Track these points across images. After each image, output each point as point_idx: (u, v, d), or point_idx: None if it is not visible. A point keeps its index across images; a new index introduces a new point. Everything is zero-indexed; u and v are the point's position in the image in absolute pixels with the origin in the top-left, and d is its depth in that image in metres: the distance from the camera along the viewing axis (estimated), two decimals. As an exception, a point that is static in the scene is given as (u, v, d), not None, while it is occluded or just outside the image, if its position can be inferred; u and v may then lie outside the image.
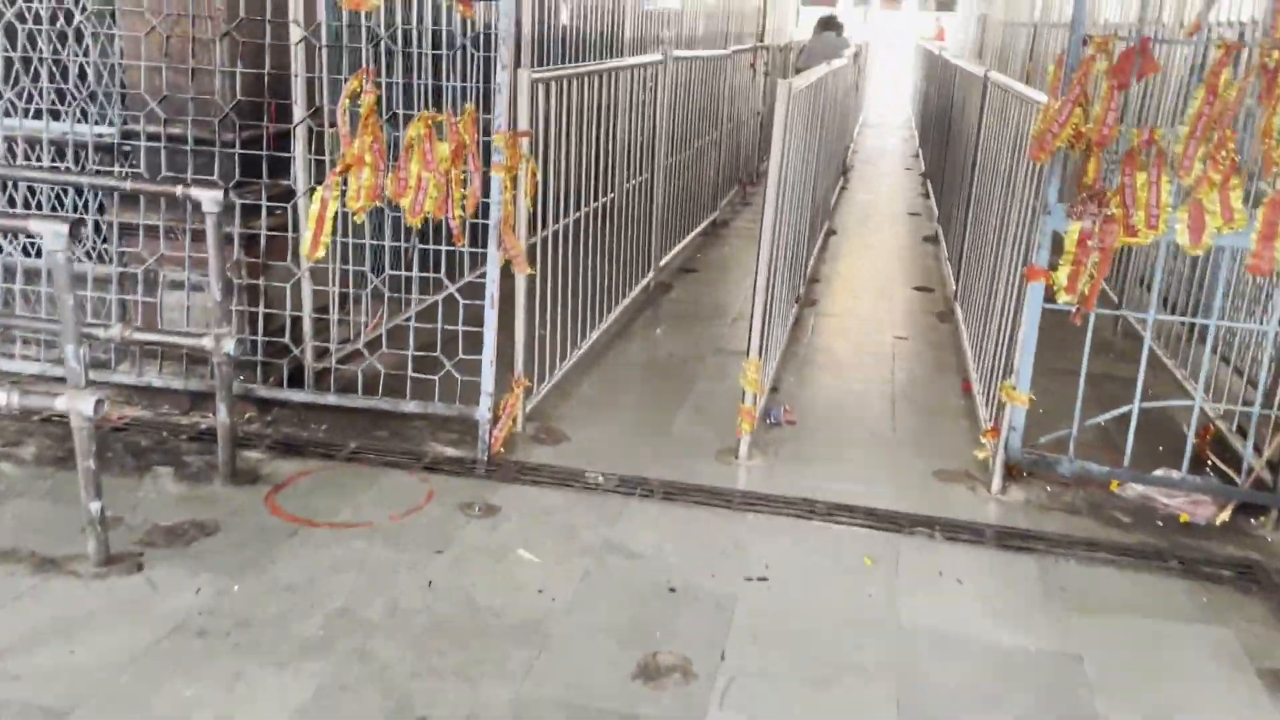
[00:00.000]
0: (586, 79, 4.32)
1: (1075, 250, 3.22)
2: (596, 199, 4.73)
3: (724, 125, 7.95)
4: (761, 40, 11.76)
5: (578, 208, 4.47)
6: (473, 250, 3.62)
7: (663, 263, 6.31)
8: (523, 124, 3.59)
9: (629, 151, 5.16)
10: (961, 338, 5.21)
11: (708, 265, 6.94)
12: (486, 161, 3.52)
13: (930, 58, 12.08)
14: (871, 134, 15.70)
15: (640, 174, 5.45)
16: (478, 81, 3.64)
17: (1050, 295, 3.32)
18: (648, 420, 4.12)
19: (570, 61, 6.89)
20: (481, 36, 3.61)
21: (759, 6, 13.98)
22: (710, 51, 7.27)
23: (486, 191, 3.51)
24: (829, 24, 11.82)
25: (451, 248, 3.61)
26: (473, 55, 3.63)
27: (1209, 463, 3.76)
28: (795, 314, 5.45)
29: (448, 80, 3.66)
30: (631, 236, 5.38)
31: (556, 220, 4.21)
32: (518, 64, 5.80)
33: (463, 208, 3.53)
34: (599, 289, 4.81)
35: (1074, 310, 3.29)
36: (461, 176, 3.52)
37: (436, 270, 3.84)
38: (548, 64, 6.39)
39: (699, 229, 7.54)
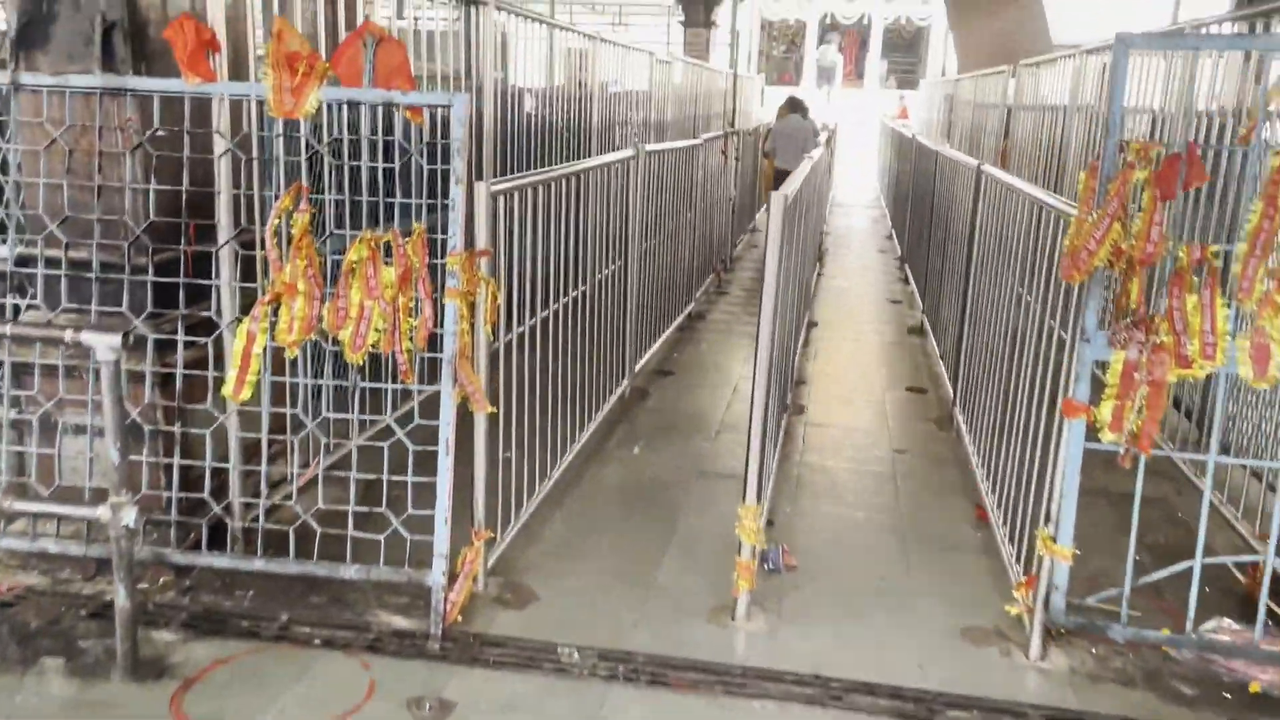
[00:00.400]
0: (554, 184, 3.90)
1: (1119, 383, 2.80)
2: (566, 295, 4.27)
3: (698, 213, 7.61)
4: (731, 125, 11.55)
5: (545, 306, 3.99)
6: (424, 388, 3.13)
7: (638, 366, 5.87)
8: (481, 242, 3.15)
9: (598, 249, 4.74)
10: (966, 450, 4.78)
11: (685, 366, 6.49)
12: (439, 286, 3.06)
13: (903, 140, 11.91)
14: (841, 213, 15.51)
15: (614, 265, 5.02)
16: (429, 196, 3.20)
17: (1092, 432, 2.90)
18: (628, 568, 3.61)
19: (536, 152, 6.56)
20: (438, 147, 3.17)
21: (724, 90, 13.89)
22: (682, 143, 6.96)
23: (439, 321, 3.05)
24: (795, 106, 11.69)
25: (399, 385, 3.13)
26: (422, 167, 3.19)
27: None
28: (784, 425, 5.00)
29: (395, 196, 3.21)
30: (605, 340, 4.93)
31: (521, 322, 3.73)
32: (476, 175, 5.42)
33: (412, 340, 3.06)
34: (571, 404, 4.34)
35: (1122, 452, 2.85)
36: (410, 304, 3.06)
37: (382, 411, 3.33)
38: (511, 157, 6.04)
39: (675, 324, 7.14)
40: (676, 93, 10.94)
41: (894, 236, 12.21)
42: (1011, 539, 3.61)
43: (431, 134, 3.19)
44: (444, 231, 3.04)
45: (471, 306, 3.11)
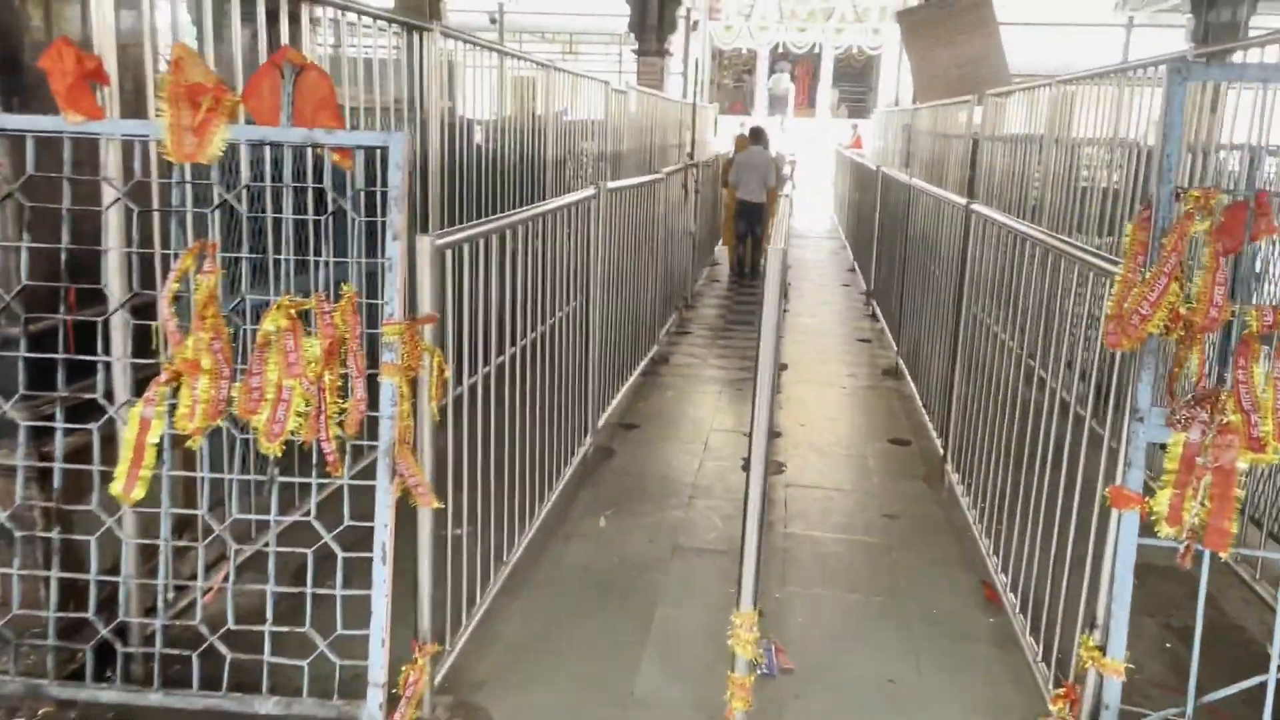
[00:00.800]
0: (509, 232, 3.43)
1: (1179, 469, 2.39)
2: (522, 344, 3.79)
3: (659, 249, 7.18)
4: (691, 157, 11.20)
5: (500, 355, 3.52)
6: (357, 483, 2.63)
7: (602, 420, 5.40)
8: (425, 305, 2.67)
9: (558, 294, 4.28)
10: (963, 514, 4.36)
11: (651, 417, 6.03)
12: (373, 361, 2.58)
13: (864, 171, 11.64)
14: (799, 244, 15.20)
15: (575, 311, 4.56)
16: (361, 253, 2.70)
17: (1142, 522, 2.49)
18: (601, 677, 3.12)
19: (487, 188, 6.09)
20: (377, 195, 2.69)
21: (681, 120, 13.55)
22: (645, 178, 6.53)
23: (374, 403, 2.56)
24: (758, 136, 11.41)
25: (326, 479, 2.62)
26: (353, 219, 2.69)
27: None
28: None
29: (320, 253, 2.72)
30: (565, 392, 4.45)
31: (473, 373, 3.24)
32: (420, 219, 4.93)
33: (341, 426, 2.57)
34: (529, 469, 3.85)
35: (1182, 550, 2.44)
36: (339, 383, 2.57)
37: (304, 509, 2.81)
38: (460, 194, 5.57)
39: (639, 369, 6.68)
40: (633, 123, 10.56)
41: (856, 270, 11.90)
42: (1034, 631, 3.20)
43: (369, 179, 2.71)
44: (380, 295, 2.56)
45: (413, 383, 2.63)
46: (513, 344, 3.72)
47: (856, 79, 32.88)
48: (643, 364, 6.86)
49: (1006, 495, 3.65)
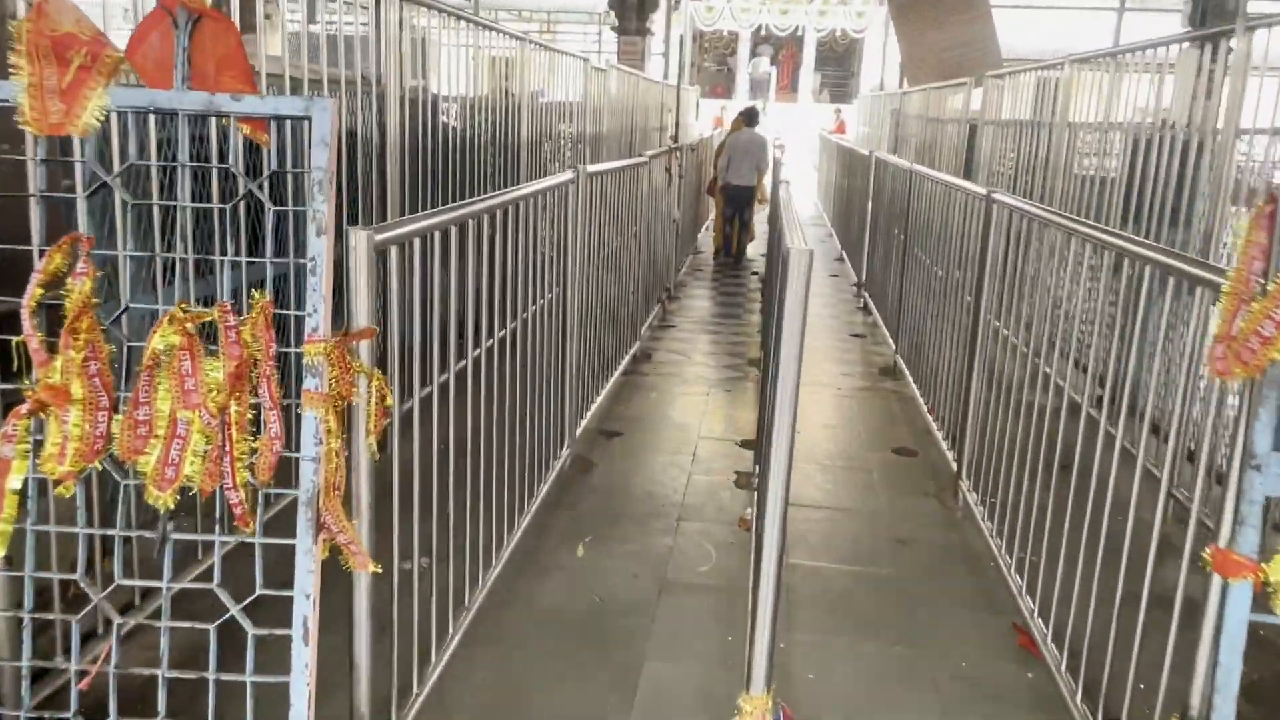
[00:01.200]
0: (469, 224, 2.90)
1: (1305, 530, 1.91)
2: (488, 344, 3.28)
3: (642, 238, 6.66)
4: (674, 140, 10.68)
5: (461, 359, 3.01)
6: (273, 541, 2.10)
7: (580, 428, 4.90)
8: (361, 317, 2.14)
9: (531, 291, 3.76)
10: (985, 540, 3.90)
11: (635, 423, 5.52)
12: (292, 389, 2.05)
13: (853, 156, 11.15)
14: (786, 232, 14.73)
15: (550, 309, 4.05)
16: (279, 250, 2.16)
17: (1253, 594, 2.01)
18: (578, 755, 2.62)
19: (456, 171, 5.56)
20: (288, 176, 2.15)
21: (663, 102, 13.02)
22: (627, 161, 6.00)
23: (293, 440, 2.03)
24: (751, 118, 10.96)
25: (232, 537, 2.09)
26: (267, 209, 2.15)
27: None
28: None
29: (225, 251, 2.18)
30: (540, 399, 3.93)
31: (428, 382, 2.73)
32: (378, 209, 4.37)
33: (251, 470, 2.04)
34: (498, 491, 3.34)
35: (1305, 629, 1.96)
36: (248, 416, 2.04)
37: (204, 570, 2.27)
38: (423, 183, 5.02)
39: (620, 368, 6.18)
40: (614, 104, 10.02)
41: (845, 259, 11.43)
42: (1089, 697, 2.73)
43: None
44: (300, 304, 2.03)
45: (344, 414, 2.10)
46: (476, 346, 3.21)
47: (839, 63, 32.43)
48: (624, 362, 6.37)
49: (1047, 527, 3.18)
